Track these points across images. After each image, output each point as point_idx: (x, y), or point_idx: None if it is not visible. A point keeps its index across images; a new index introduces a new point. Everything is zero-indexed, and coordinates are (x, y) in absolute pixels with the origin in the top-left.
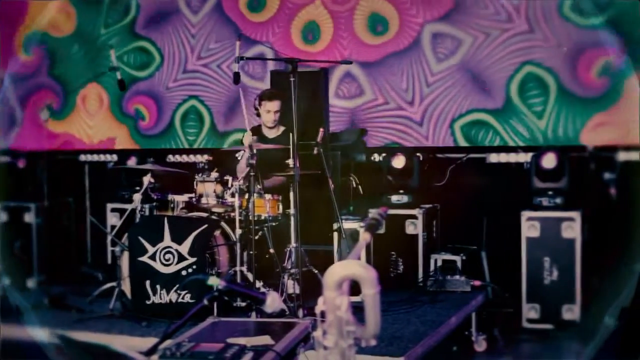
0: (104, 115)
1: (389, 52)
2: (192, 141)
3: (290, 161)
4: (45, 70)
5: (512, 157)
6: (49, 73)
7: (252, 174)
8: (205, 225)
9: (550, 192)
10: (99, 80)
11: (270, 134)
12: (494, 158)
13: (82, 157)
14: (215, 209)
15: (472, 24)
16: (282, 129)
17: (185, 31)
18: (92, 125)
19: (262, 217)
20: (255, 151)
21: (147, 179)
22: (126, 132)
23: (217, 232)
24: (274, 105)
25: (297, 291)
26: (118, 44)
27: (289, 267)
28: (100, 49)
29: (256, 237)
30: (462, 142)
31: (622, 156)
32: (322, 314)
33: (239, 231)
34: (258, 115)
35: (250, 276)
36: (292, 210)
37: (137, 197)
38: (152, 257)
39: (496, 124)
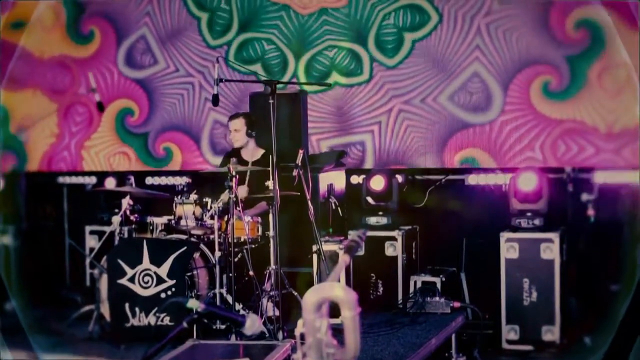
0: (60, 31)
1: None
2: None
3: (269, 183)
4: None
5: (491, 179)
6: None
7: (230, 195)
8: (185, 248)
9: (528, 214)
10: None
11: (250, 157)
12: (472, 180)
13: (61, 180)
14: (194, 231)
15: None
16: (261, 152)
17: None
18: (46, 41)
19: (242, 239)
20: (235, 174)
21: (126, 201)
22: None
23: (196, 255)
24: (234, 124)
25: (277, 313)
26: None
27: (269, 290)
28: None
29: (235, 260)
30: None
31: (600, 177)
32: (302, 336)
33: (218, 253)
34: None
35: (229, 298)
36: (271, 232)
37: (116, 219)
38: (131, 280)
39: None
